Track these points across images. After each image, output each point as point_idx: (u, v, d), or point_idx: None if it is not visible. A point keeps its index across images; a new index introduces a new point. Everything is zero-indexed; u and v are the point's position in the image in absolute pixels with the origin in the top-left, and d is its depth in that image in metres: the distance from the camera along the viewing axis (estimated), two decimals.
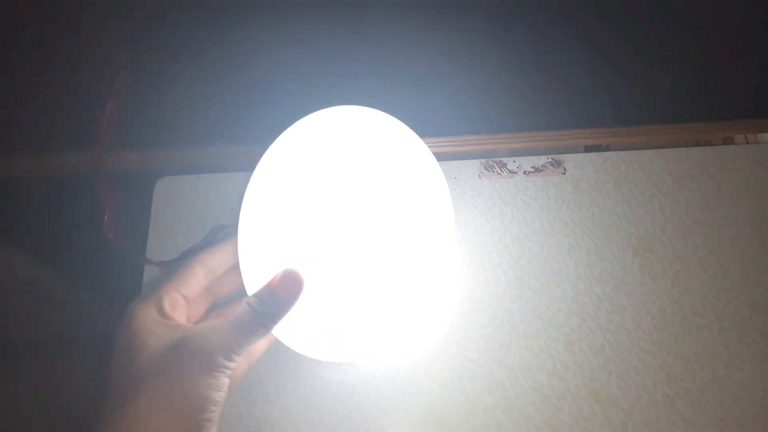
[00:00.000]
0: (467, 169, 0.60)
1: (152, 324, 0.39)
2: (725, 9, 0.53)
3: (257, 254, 0.42)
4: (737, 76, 0.56)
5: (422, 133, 0.62)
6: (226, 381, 0.37)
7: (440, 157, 0.61)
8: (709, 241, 0.55)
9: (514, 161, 0.60)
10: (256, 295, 0.39)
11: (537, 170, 0.59)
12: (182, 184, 0.64)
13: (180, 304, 0.42)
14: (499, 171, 0.59)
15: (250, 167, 0.64)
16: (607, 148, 0.60)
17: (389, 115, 0.46)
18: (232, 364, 0.37)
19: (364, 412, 0.51)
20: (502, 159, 0.60)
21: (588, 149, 0.60)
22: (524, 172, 0.59)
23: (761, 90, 0.58)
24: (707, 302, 0.53)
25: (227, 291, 0.46)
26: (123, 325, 0.40)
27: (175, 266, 0.46)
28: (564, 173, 0.59)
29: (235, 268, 0.44)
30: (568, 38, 0.54)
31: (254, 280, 0.42)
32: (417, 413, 0.51)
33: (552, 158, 0.59)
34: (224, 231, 0.51)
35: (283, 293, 0.38)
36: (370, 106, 0.46)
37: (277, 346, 0.45)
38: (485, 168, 0.60)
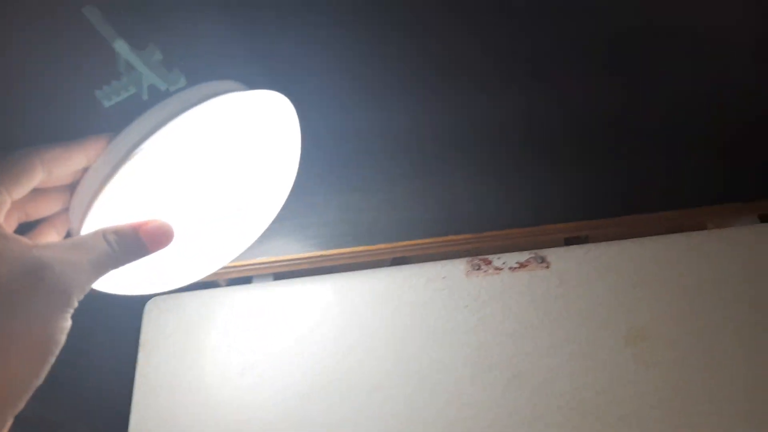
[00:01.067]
0: (454, 269, 0.61)
1: None
2: (685, 105, 0.57)
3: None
4: (703, 166, 0.60)
5: (406, 236, 0.64)
6: (70, 323, 0.32)
7: (427, 258, 0.63)
8: (701, 325, 0.56)
9: (499, 258, 0.61)
10: (118, 234, 0.34)
11: (522, 266, 0.61)
12: (174, 302, 0.64)
13: (3, 209, 0.33)
14: (485, 268, 0.61)
15: (242, 282, 0.64)
16: (586, 240, 0.63)
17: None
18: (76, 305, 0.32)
19: None
20: (487, 257, 0.61)
21: (568, 242, 0.63)
22: (510, 269, 0.61)
23: (728, 178, 0.61)
24: (708, 388, 0.53)
25: (46, 210, 0.37)
26: None
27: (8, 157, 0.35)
28: (548, 267, 0.60)
29: (74, 186, 0.36)
30: (541, 144, 0.58)
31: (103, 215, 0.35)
32: None
33: (535, 253, 0.61)
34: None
35: (149, 243, 0.35)
36: None
37: None
38: (472, 266, 0.61)
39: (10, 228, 0.35)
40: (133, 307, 0.64)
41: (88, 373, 0.69)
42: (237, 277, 0.65)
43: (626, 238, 0.61)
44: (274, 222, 0.64)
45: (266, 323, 0.62)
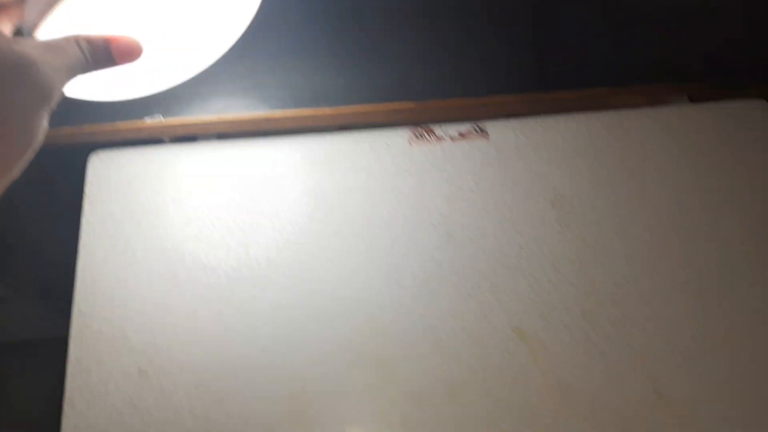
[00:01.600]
0: (398, 137, 0.63)
1: None
2: None
3: None
4: (641, 44, 0.62)
5: (354, 101, 0.65)
6: (47, 126, 0.32)
7: (372, 125, 0.65)
8: (618, 195, 0.60)
9: (441, 127, 0.63)
10: (90, 44, 0.34)
11: (462, 136, 0.63)
12: (119, 157, 0.64)
13: None
14: (428, 137, 0.63)
15: (187, 139, 0.65)
16: (527, 115, 0.65)
17: None
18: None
19: None
20: (430, 126, 0.63)
21: (508, 115, 0.65)
22: (451, 138, 0.63)
23: (666, 57, 0.64)
24: (618, 248, 0.57)
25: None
26: None
27: None
28: (488, 138, 0.63)
29: None
30: (484, 11, 0.59)
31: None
32: (357, 354, 0.52)
33: (476, 124, 0.63)
34: None
35: (118, 57, 0.35)
36: None
37: None
38: (415, 135, 0.63)
39: None
40: (76, 161, 0.64)
41: (34, 224, 0.69)
42: (182, 135, 0.66)
43: (562, 113, 0.64)
44: (219, 82, 0.64)
45: (209, 181, 0.63)
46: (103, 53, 0.34)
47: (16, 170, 0.31)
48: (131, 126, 0.65)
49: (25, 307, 0.93)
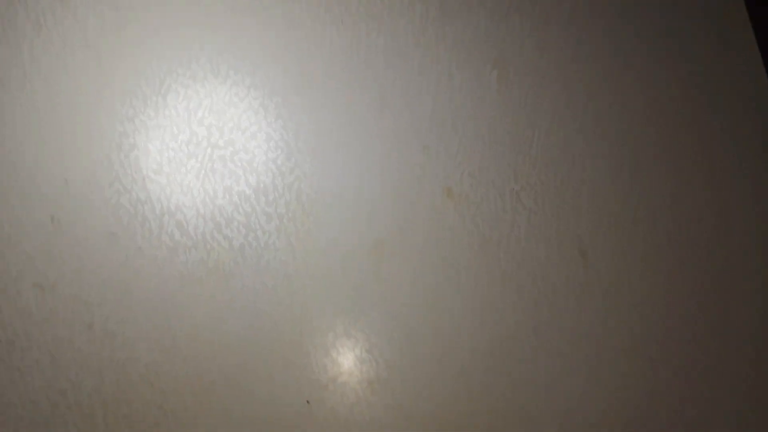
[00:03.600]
0: None
1: None
2: None
3: None
4: None
5: None
6: None
7: None
8: (562, 57, 0.57)
9: None
10: None
11: None
12: None
13: None
14: None
15: None
16: None
17: None
18: None
19: None
20: None
21: None
22: None
23: None
24: (557, 112, 0.56)
25: None
26: None
27: None
28: None
29: None
30: None
31: None
32: (281, 207, 0.51)
33: None
34: None
35: None
36: None
37: None
38: None
39: None
40: None
41: None
42: None
43: None
44: None
45: (125, 21, 0.57)
46: None
47: None
48: None
49: None
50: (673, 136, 0.55)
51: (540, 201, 0.53)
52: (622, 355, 0.51)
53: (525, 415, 0.49)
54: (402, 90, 0.56)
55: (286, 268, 0.50)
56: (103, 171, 0.53)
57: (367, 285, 0.50)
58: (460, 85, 0.56)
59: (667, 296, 0.53)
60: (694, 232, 0.54)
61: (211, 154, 0.53)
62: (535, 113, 0.55)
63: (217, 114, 0.54)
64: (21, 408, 0.46)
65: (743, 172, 0.56)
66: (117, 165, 0.53)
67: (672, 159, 0.55)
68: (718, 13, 0.59)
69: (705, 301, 0.53)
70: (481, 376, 0.49)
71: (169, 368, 0.47)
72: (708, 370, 0.52)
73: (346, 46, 0.57)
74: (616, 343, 0.51)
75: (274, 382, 0.48)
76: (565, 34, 0.58)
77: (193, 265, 0.50)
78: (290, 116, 0.55)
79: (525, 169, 0.53)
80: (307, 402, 0.48)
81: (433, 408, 0.48)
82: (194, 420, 0.46)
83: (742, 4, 0.59)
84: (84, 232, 0.51)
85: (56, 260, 0.50)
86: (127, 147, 0.54)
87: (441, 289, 0.50)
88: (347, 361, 0.49)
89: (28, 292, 0.49)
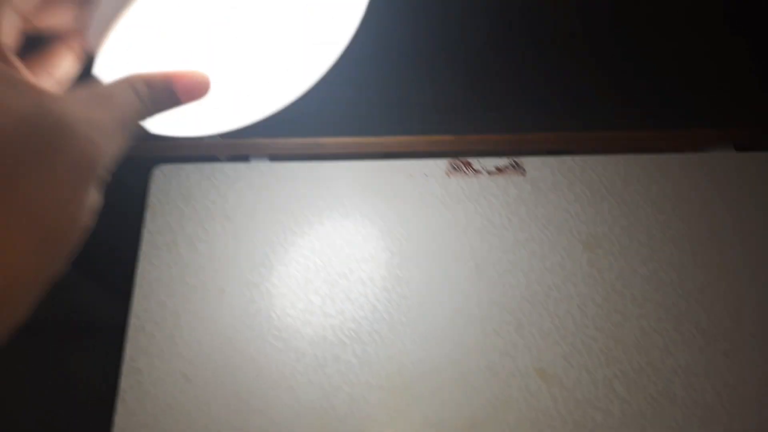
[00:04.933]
0: (436, 168, 0.65)
1: None
2: (676, 30, 0.59)
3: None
4: (685, 90, 0.62)
5: (394, 132, 0.67)
6: (99, 198, 0.26)
7: (412, 155, 0.67)
8: (651, 240, 0.60)
9: (479, 162, 0.65)
10: (149, 86, 0.28)
11: (500, 171, 0.65)
12: (179, 172, 0.69)
13: (6, 24, 0.26)
14: (465, 170, 0.65)
15: (243, 159, 0.69)
16: (567, 152, 0.66)
17: None
18: None
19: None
20: (468, 159, 0.65)
21: (549, 153, 0.66)
22: (488, 172, 0.65)
23: (707, 104, 0.63)
24: (647, 294, 0.58)
25: (57, 21, 0.29)
26: None
27: None
28: (524, 174, 0.64)
29: None
30: (532, 52, 0.60)
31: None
32: (383, 378, 0.56)
33: (514, 160, 0.65)
34: None
35: (183, 96, 0.30)
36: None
37: None
38: (453, 167, 0.65)
39: (11, 48, 0.27)
40: (141, 172, 0.70)
41: (96, 230, 0.76)
42: (235, 155, 0.70)
43: (601, 154, 0.64)
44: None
45: (259, 199, 0.67)
46: (165, 93, 0.29)
47: (61, 262, 0.24)
48: (191, 143, 0.70)
49: (88, 290, 1.01)
50: None
51: (632, 389, 0.54)
52: None
53: None
54: (496, 266, 0.60)
55: None
56: (235, 333, 0.60)
57: None
58: (551, 266, 0.60)
59: None
60: None
61: (323, 322, 0.60)
62: (624, 298, 0.58)
63: (330, 285, 0.61)
64: None
65: None
66: (244, 328, 0.60)
67: None
68: None
69: None
70: None
71: None
72: None
73: (445, 225, 0.63)
74: None
75: None
76: (654, 218, 0.61)
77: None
78: (394, 288, 0.61)
79: (617, 355, 0.55)
80: None
81: None
82: None
83: None
84: (214, 390, 0.58)
85: (186, 416, 0.57)
86: (253, 311, 0.61)
87: None
88: None
89: None
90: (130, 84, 0.27)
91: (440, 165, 0.65)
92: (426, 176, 0.65)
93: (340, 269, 0.62)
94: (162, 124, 0.38)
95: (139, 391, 0.59)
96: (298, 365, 0.58)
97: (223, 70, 0.34)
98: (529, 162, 0.64)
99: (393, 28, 0.56)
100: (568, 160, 0.64)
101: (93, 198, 0.25)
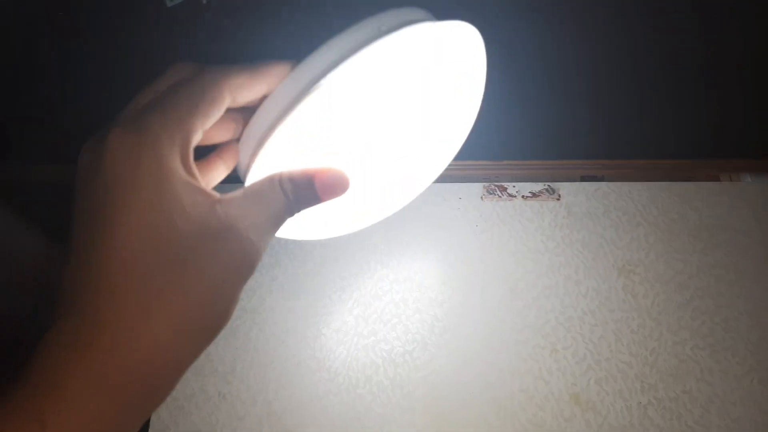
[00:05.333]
0: (471, 191, 0.66)
1: (182, 188, 0.26)
2: (712, 54, 0.59)
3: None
4: (724, 118, 0.62)
5: None
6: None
7: (447, 179, 0.68)
8: (688, 267, 0.60)
9: (514, 186, 0.66)
10: (293, 182, 0.31)
11: (534, 195, 0.65)
12: None
13: (194, 143, 0.29)
14: (500, 194, 0.66)
15: None
16: (601, 179, 0.66)
17: None
18: None
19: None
20: (503, 183, 0.66)
21: (583, 179, 0.66)
22: (523, 197, 0.65)
23: (744, 132, 0.63)
24: (683, 322, 0.58)
25: (217, 138, 0.33)
26: (138, 174, 0.26)
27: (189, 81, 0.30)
28: (559, 199, 0.64)
29: (245, 112, 0.32)
30: (568, 79, 0.61)
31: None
32: (415, 400, 0.56)
33: (548, 185, 0.65)
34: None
35: (322, 193, 0.31)
36: None
37: None
38: (487, 191, 0.66)
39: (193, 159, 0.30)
40: None
41: None
42: None
43: (637, 181, 0.64)
44: None
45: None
46: (307, 190, 0.31)
47: (199, 354, 0.27)
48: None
49: None
50: None
51: (668, 418, 0.54)
52: None
53: None
54: (531, 290, 0.60)
55: None
56: (269, 352, 0.61)
57: None
58: (586, 291, 0.60)
59: None
60: None
61: (356, 342, 0.60)
62: (660, 325, 0.58)
63: (363, 306, 0.62)
64: None
65: None
66: (279, 346, 0.61)
67: None
68: None
69: None
70: None
71: None
72: None
73: (479, 248, 0.63)
74: None
75: None
76: (691, 245, 0.61)
77: None
78: (427, 310, 0.61)
79: (652, 382, 0.55)
80: None
81: None
82: None
83: None
84: (248, 408, 0.58)
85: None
86: (288, 329, 0.62)
87: None
88: None
89: None
90: (279, 181, 0.30)
91: (475, 189, 0.66)
92: (460, 200, 0.66)
93: (374, 291, 0.63)
94: (288, 228, 0.40)
95: (174, 407, 0.60)
96: (332, 385, 0.58)
97: (356, 172, 0.36)
98: (564, 187, 0.65)
99: None
100: (603, 186, 0.64)
101: (239, 297, 0.28)
